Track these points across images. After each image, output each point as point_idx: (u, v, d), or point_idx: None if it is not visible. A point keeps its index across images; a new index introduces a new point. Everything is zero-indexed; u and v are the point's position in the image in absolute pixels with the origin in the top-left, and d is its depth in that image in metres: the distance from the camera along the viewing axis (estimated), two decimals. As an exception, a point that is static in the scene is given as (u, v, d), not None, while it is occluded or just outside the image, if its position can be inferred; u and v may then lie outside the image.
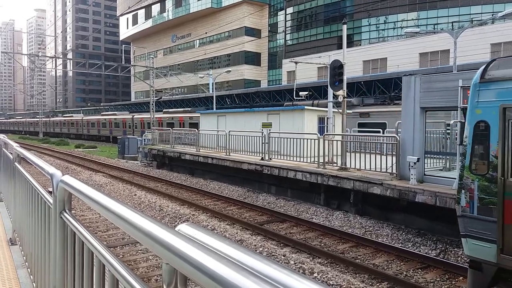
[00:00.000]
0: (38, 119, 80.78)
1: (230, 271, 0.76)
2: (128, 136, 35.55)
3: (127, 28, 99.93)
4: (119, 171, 23.30)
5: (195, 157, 20.45)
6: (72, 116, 69.94)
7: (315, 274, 7.64)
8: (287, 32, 67.29)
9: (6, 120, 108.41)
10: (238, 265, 0.79)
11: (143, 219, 1.17)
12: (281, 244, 9.74)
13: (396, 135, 11.91)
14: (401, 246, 9.38)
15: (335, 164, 14.06)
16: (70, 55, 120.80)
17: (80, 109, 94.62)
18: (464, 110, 7.07)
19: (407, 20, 51.50)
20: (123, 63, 40.61)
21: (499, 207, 5.50)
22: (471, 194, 5.88)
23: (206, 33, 75.85)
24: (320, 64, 26.75)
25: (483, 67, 6.03)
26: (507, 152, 5.53)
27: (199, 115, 28.70)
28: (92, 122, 58.69)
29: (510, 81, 5.55)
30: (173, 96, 61.66)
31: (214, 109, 38.01)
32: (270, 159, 16.24)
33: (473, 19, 42.08)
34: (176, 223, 11.68)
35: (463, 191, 6.02)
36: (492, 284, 5.81)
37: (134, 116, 48.19)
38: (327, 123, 16.72)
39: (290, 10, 66.24)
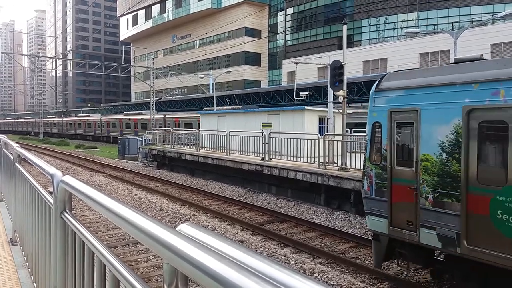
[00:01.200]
0: (49, 119, 76.08)
1: (231, 271, 0.76)
2: (128, 137, 35.46)
3: (127, 28, 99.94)
4: (120, 171, 23.31)
5: (195, 158, 20.45)
6: (88, 116, 62.00)
7: (316, 274, 7.64)
8: (287, 33, 67.30)
9: (14, 120, 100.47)
10: (239, 265, 0.79)
11: (144, 220, 1.17)
12: (282, 244, 9.74)
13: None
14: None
15: (336, 164, 14.06)
16: (70, 56, 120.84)
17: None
18: None
19: (407, 21, 51.49)
20: (123, 63, 40.60)
21: (388, 190, 6.95)
22: (370, 180, 7.29)
23: (206, 33, 75.82)
24: (320, 64, 26.76)
25: (379, 79, 7.36)
26: (393, 146, 6.97)
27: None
28: (113, 122, 51.82)
29: (395, 91, 6.99)
30: (173, 97, 61.33)
31: (214, 109, 37.91)
32: (271, 159, 16.24)
33: (473, 20, 42.10)
34: (176, 223, 11.68)
35: (365, 177, 7.45)
36: (390, 253, 7.20)
37: (166, 116, 42.30)
38: (327, 123, 16.72)
39: (290, 10, 66.24)
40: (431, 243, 6.27)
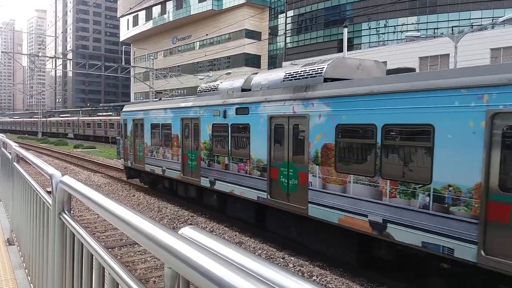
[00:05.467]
0: (105, 117, 53.36)
1: (235, 277, 0.74)
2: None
3: (128, 29, 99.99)
4: (118, 171, 23.22)
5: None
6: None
7: (314, 277, 7.61)
8: (287, 35, 67.39)
9: (46, 118, 75.91)
10: (243, 271, 0.77)
11: (146, 222, 1.15)
12: (280, 247, 9.72)
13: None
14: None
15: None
16: (70, 56, 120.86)
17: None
18: None
19: (407, 24, 51.61)
20: (123, 64, 40.61)
21: (124, 148, 17.07)
22: (120, 146, 17.89)
23: (206, 35, 75.86)
24: (320, 67, 26.66)
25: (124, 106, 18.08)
26: (124, 131, 16.99)
27: None
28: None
29: (127, 112, 16.73)
30: (173, 98, 61.13)
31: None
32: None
33: (473, 24, 42.22)
34: (175, 224, 11.64)
35: (118, 145, 19.19)
36: (131, 175, 17.16)
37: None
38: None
39: (290, 13, 66.36)
40: (132, 166, 15.73)
